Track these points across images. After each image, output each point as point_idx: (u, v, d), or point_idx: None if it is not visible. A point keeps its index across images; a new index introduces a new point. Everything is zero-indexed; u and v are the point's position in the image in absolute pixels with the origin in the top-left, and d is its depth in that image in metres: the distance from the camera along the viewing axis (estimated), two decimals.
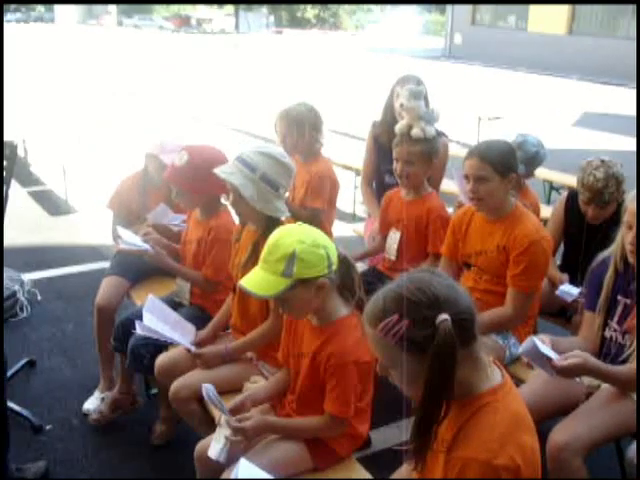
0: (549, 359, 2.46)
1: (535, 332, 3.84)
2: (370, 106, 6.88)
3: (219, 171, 2.96)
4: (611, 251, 2.87)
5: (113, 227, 4.10)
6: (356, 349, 2.39)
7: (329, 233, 4.43)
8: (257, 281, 2.36)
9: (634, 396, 2.74)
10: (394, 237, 3.91)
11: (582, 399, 2.82)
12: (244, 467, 2.25)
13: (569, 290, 3.66)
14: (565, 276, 3.82)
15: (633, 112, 18.51)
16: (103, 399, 3.92)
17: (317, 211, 4.24)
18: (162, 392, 3.53)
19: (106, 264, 4.45)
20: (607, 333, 2.90)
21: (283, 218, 3.04)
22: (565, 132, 14.50)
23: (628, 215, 2.70)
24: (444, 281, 1.72)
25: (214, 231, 3.45)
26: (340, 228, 5.25)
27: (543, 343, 2.50)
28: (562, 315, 3.88)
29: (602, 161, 3.65)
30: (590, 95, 22.06)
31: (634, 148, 12.93)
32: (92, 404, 3.92)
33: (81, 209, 7.69)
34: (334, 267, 2.38)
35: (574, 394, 2.85)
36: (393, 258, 3.91)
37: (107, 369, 4.02)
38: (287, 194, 4.39)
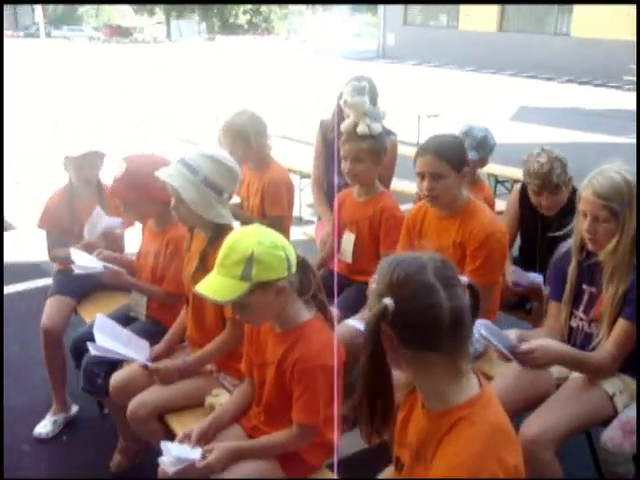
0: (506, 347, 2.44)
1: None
2: (305, 108, 6.91)
3: (160, 173, 2.85)
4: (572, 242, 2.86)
5: (48, 247, 3.96)
6: (322, 353, 2.31)
7: (288, 239, 4.36)
8: (214, 286, 2.26)
9: (606, 386, 2.72)
10: (349, 239, 3.83)
11: (552, 390, 2.79)
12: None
13: (533, 278, 3.63)
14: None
15: (565, 104, 18.98)
16: (56, 421, 3.76)
17: (279, 219, 4.15)
18: (118, 418, 3.35)
19: (48, 281, 4.26)
20: (573, 323, 2.88)
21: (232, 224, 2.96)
22: (504, 126, 14.69)
23: (582, 204, 2.68)
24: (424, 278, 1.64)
25: (172, 244, 3.31)
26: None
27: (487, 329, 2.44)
28: (522, 307, 3.86)
29: (542, 149, 3.66)
30: (524, 90, 22.48)
31: (570, 139, 13.23)
32: (44, 427, 3.75)
33: (20, 226, 7.41)
34: (293, 269, 2.31)
35: (544, 386, 2.81)
36: (349, 261, 3.84)
37: (59, 391, 3.84)
38: (243, 202, 4.34)
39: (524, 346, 2.46)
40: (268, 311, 2.33)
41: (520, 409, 2.81)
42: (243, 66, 29.05)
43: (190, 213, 2.86)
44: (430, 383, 1.70)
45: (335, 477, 2.45)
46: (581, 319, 2.85)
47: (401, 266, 1.64)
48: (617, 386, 2.73)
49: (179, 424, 2.83)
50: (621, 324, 2.65)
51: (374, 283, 1.68)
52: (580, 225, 2.73)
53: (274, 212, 4.16)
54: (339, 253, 3.89)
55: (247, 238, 2.26)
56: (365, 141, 3.63)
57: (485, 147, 4.07)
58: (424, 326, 1.61)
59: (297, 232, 5.95)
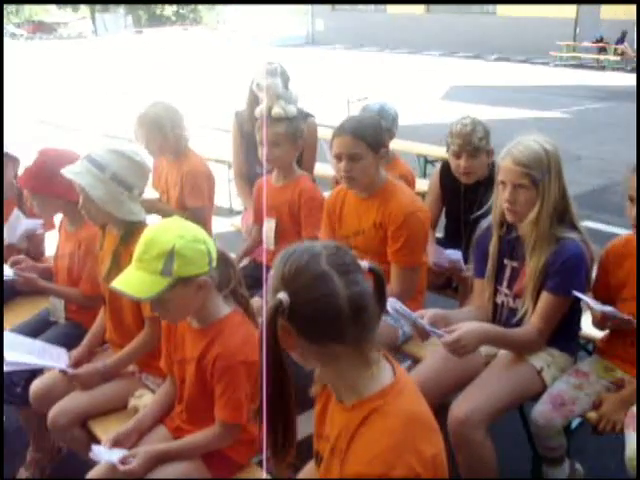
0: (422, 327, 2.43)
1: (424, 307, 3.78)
2: (234, 97, 6.70)
3: (66, 171, 2.70)
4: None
5: None
6: (243, 348, 2.22)
7: (209, 231, 4.23)
8: (133, 282, 2.14)
9: (533, 361, 2.67)
10: (270, 225, 3.72)
11: (482, 369, 2.73)
12: None
13: (453, 255, 3.56)
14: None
15: (494, 82, 19.18)
16: None
17: (200, 210, 4.01)
18: (31, 428, 3.17)
19: None
20: (498, 299, 2.83)
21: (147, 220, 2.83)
22: (435, 106, 14.78)
23: (501, 173, 2.63)
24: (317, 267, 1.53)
25: (84, 244, 3.17)
26: (218, 223, 5.02)
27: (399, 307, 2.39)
28: (448, 287, 3.81)
29: (462, 117, 3.62)
30: (454, 70, 22.66)
31: (499, 116, 13.34)
32: None
33: None
34: (214, 264, 2.21)
35: (473, 365, 2.74)
36: (272, 248, 3.72)
37: None
38: (162, 195, 4.18)
39: (448, 337, 2.40)
40: (188, 307, 2.23)
41: (451, 389, 2.76)
42: (170, 58, 28.55)
43: (99, 211, 2.74)
44: (339, 376, 1.60)
45: (264, 474, 2.35)
46: (506, 295, 2.80)
47: (293, 258, 1.54)
48: (545, 360, 2.69)
49: (102, 429, 2.69)
50: (545, 297, 2.61)
51: (271, 278, 1.58)
52: (499, 197, 2.67)
53: (194, 203, 4.02)
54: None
55: (167, 232, 2.15)
56: (281, 124, 3.52)
57: (386, 117, 3.94)
58: (322, 317, 1.51)
59: (226, 224, 5.83)
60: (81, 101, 16.69)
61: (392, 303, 2.34)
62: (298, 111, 3.79)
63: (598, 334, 2.86)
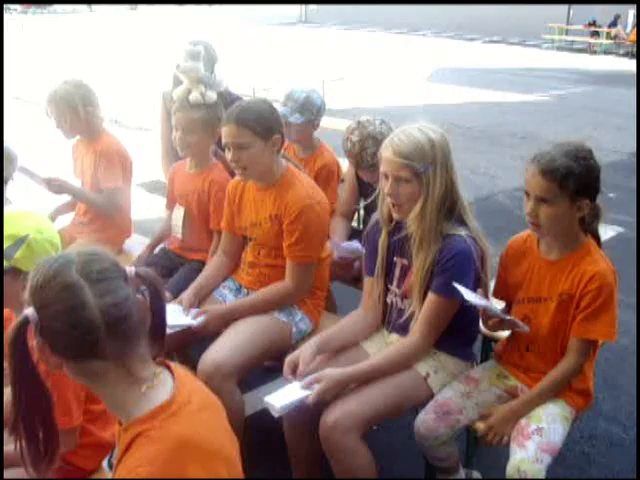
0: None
1: (332, 303, 3.60)
2: None
3: None
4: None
5: None
6: None
7: (127, 212, 4.05)
8: None
9: (419, 366, 2.51)
10: (178, 213, 3.54)
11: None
12: None
13: (349, 246, 3.36)
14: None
15: (480, 65, 18.91)
16: None
17: (114, 191, 3.85)
18: None
19: None
20: (389, 298, 2.65)
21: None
22: (418, 88, 14.54)
23: (383, 165, 2.44)
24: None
25: None
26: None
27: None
28: (360, 280, 3.62)
29: (358, 122, 3.34)
30: (443, 51, 22.37)
31: (476, 99, 13.14)
32: None
33: None
34: None
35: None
36: (179, 237, 3.55)
37: None
38: (78, 177, 4.01)
39: (314, 397, 2.33)
40: (11, 300, 2.04)
41: None
42: (164, 36, 28.22)
43: None
44: (107, 395, 1.44)
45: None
46: (395, 294, 2.62)
47: (43, 268, 1.38)
48: (431, 365, 2.51)
49: None
50: (430, 299, 2.43)
51: None
52: (382, 189, 2.49)
53: (107, 184, 3.84)
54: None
55: (28, 219, 2.03)
56: (198, 111, 3.33)
57: (310, 108, 3.71)
58: (74, 332, 1.34)
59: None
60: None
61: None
62: (221, 97, 3.61)
63: (503, 336, 2.69)
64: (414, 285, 2.48)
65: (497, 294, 2.61)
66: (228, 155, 2.85)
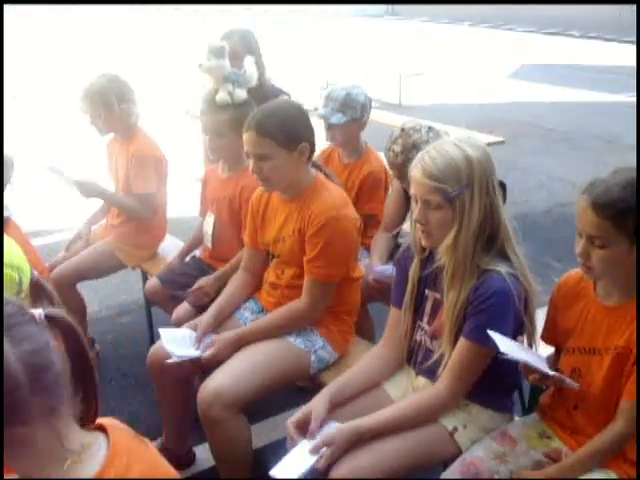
0: None
1: (368, 327, 3.28)
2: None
3: None
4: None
5: None
6: None
7: (163, 219, 3.84)
8: None
9: (445, 420, 2.16)
10: (209, 221, 3.32)
11: None
12: None
13: (384, 271, 3.03)
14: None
15: (572, 61, 18.06)
16: None
17: (146, 197, 3.67)
18: None
19: None
20: (417, 335, 2.32)
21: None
22: (500, 85, 13.96)
23: (412, 186, 2.12)
24: None
25: None
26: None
27: None
28: None
29: (402, 130, 2.98)
30: (531, 46, 21.51)
31: (567, 98, 12.48)
32: None
33: None
34: (23, 294, 1.86)
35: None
36: (209, 245, 3.33)
37: None
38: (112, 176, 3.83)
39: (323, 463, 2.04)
40: None
41: None
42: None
43: None
44: (23, 472, 1.18)
45: None
46: (425, 331, 2.28)
47: None
48: (460, 419, 2.17)
49: None
50: (461, 344, 2.09)
51: None
52: (412, 214, 2.16)
53: (139, 189, 3.65)
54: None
55: None
56: (226, 111, 3.08)
57: (353, 105, 3.37)
58: None
59: None
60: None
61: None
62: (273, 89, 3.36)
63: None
64: (445, 325, 2.14)
65: (546, 338, 2.24)
66: (250, 164, 2.57)
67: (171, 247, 3.92)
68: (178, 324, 2.95)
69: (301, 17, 30.96)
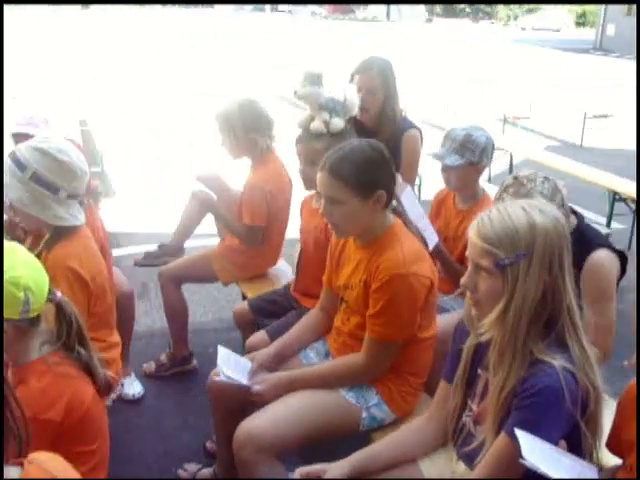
0: None
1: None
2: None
3: None
4: None
5: None
6: (38, 401, 1.85)
7: (273, 245, 3.79)
8: None
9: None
10: (296, 253, 3.20)
11: None
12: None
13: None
14: None
15: None
16: None
17: (252, 229, 3.59)
18: None
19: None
20: (465, 417, 2.05)
21: (78, 224, 2.56)
22: None
23: (468, 248, 1.87)
24: None
25: None
26: None
27: None
28: None
29: (515, 178, 2.65)
30: None
31: None
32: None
33: None
34: (32, 314, 1.88)
35: None
36: (294, 277, 3.22)
37: None
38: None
39: None
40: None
41: None
42: (458, 49, 27.99)
43: (25, 214, 2.51)
44: None
45: None
46: (473, 413, 2.01)
47: None
48: None
49: None
50: (500, 439, 1.81)
51: None
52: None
53: (246, 220, 3.59)
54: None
55: None
56: (320, 141, 2.97)
57: (472, 148, 3.11)
58: None
59: None
60: None
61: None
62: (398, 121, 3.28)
63: None
64: (488, 411, 1.87)
65: (610, 446, 1.90)
66: (321, 206, 2.42)
67: (281, 271, 3.89)
68: (250, 351, 2.85)
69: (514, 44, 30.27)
